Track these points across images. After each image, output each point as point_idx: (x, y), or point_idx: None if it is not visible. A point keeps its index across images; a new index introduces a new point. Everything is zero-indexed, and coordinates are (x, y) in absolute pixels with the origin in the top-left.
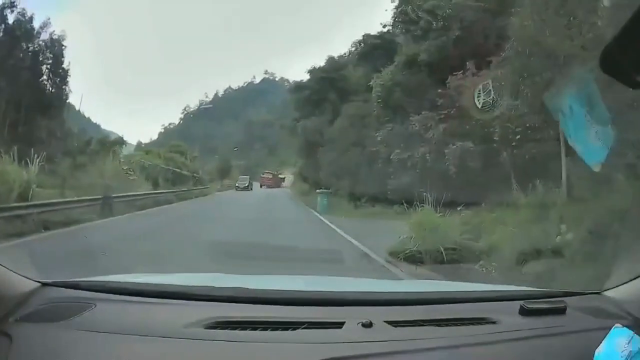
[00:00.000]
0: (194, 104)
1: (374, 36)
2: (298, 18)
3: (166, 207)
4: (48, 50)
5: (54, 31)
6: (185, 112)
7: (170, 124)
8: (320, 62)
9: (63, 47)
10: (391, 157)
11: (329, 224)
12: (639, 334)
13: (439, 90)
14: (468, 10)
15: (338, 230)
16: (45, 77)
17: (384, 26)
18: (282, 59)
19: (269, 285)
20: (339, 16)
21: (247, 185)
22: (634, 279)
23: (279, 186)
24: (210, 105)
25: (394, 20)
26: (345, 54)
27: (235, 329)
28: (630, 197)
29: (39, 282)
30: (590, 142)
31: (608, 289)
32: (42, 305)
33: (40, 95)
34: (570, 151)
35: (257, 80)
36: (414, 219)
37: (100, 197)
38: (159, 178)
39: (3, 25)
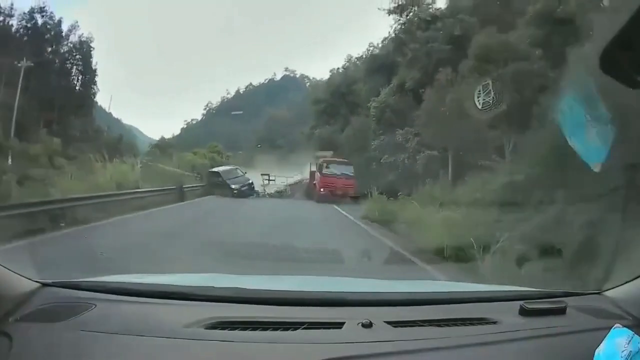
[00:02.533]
0: (215, 101)
1: (379, 55)
2: (319, 15)
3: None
4: (77, 52)
5: (82, 34)
6: (208, 108)
7: (192, 119)
8: (340, 61)
9: (91, 49)
10: (381, 161)
11: (335, 206)
12: (639, 334)
13: (417, 112)
14: (435, 51)
15: (338, 208)
16: (75, 77)
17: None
18: (302, 56)
19: (269, 285)
20: (359, 14)
21: (278, 189)
22: (634, 279)
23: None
24: (241, 112)
25: (393, 48)
26: (358, 56)
27: (235, 329)
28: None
29: (39, 282)
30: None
31: (608, 289)
32: (42, 305)
33: (70, 95)
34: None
35: (278, 77)
36: (371, 202)
37: (174, 187)
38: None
39: (32, 29)
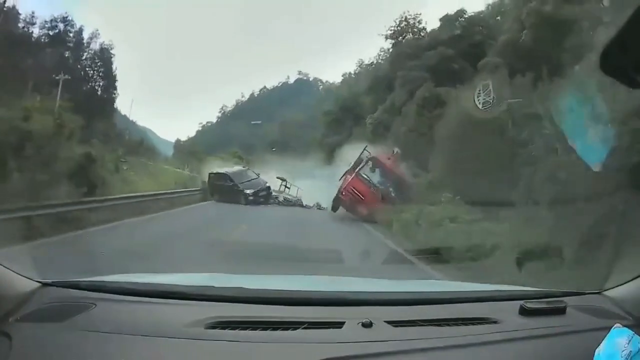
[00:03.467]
0: (230, 104)
1: (378, 76)
2: (332, 19)
3: None
4: (98, 59)
5: (103, 42)
6: (223, 111)
7: (207, 122)
8: (352, 65)
9: (112, 55)
10: None
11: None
12: (639, 334)
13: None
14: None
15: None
16: (97, 83)
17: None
18: (315, 59)
19: (269, 285)
20: (371, 19)
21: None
22: (634, 279)
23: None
24: (259, 122)
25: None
26: (369, 62)
27: (235, 329)
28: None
29: (39, 282)
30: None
31: (608, 289)
32: (42, 305)
33: (94, 100)
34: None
35: (292, 80)
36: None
37: (199, 188)
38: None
39: (55, 38)
